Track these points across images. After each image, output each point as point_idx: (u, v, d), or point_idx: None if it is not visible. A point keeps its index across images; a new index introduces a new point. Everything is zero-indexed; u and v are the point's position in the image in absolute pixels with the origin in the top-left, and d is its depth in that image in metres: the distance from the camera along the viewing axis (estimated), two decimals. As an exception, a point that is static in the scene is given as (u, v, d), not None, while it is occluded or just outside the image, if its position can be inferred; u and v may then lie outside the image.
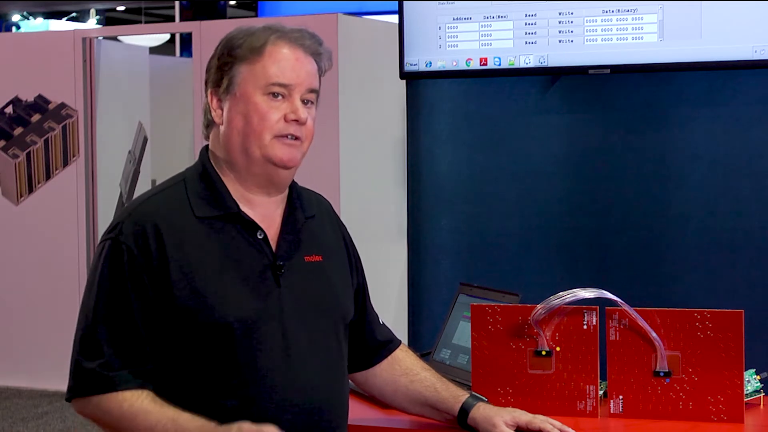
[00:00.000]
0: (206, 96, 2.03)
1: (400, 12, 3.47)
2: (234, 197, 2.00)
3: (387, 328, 2.27)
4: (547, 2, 3.31)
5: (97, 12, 14.00)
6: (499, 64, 3.39)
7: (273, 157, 1.96)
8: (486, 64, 3.40)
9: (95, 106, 6.32)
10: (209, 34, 5.79)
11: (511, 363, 2.29)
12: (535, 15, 3.33)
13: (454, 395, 2.16)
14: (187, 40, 10.98)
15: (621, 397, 2.26)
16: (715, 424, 2.20)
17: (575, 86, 3.52)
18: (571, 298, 2.21)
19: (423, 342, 3.51)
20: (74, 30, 6.94)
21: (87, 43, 6.31)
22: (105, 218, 6.21)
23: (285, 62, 1.97)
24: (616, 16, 3.27)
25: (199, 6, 13.00)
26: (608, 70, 3.30)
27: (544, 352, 2.26)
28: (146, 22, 15.21)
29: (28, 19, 13.68)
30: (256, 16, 10.26)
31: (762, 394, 2.35)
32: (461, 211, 3.70)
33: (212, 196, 1.99)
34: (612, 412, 2.26)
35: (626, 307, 2.22)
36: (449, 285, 3.49)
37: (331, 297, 2.07)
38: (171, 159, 6.79)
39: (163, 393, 1.92)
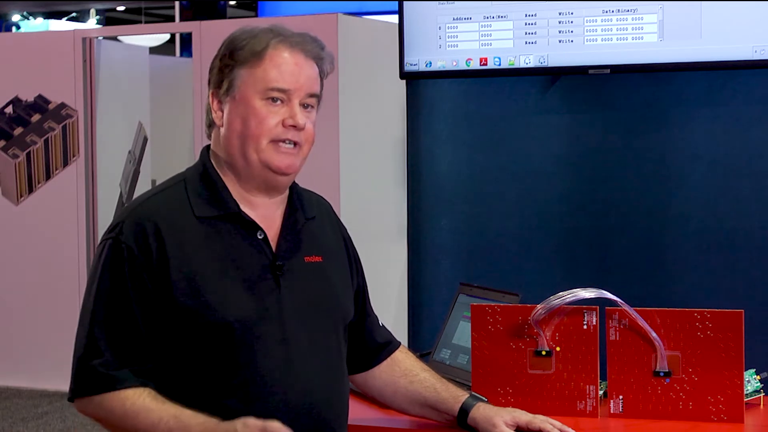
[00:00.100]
0: (208, 96, 2.03)
1: (400, 12, 3.47)
2: (234, 197, 2.00)
3: (386, 329, 2.27)
4: (547, 2, 3.31)
5: (97, 12, 13.99)
6: (499, 64, 3.39)
7: (271, 164, 1.97)
8: (486, 64, 3.40)
9: (95, 106, 6.31)
10: (209, 34, 5.79)
11: (511, 363, 2.29)
12: (535, 15, 3.33)
13: (453, 395, 2.16)
14: (187, 40, 10.98)
15: (621, 397, 2.26)
16: (715, 424, 2.20)
17: (575, 86, 3.52)
18: (571, 298, 2.21)
19: (423, 342, 3.51)
20: (74, 30, 6.93)
21: (87, 43, 6.30)
22: (105, 218, 6.21)
23: (285, 66, 1.97)
24: (616, 16, 3.27)
25: (199, 6, 12.99)
26: (608, 70, 3.30)
27: (544, 352, 2.26)
28: (146, 22, 15.21)
29: (28, 19, 13.67)
30: (256, 16, 10.26)
31: (762, 394, 2.35)
32: (461, 211, 3.70)
33: (212, 196, 1.99)
34: (612, 412, 2.26)
35: (626, 307, 2.22)
36: (449, 285, 3.49)
37: (331, 297, 2.07)
38: (171, 159, 6.80)
39: (164, 392, 1.92)
